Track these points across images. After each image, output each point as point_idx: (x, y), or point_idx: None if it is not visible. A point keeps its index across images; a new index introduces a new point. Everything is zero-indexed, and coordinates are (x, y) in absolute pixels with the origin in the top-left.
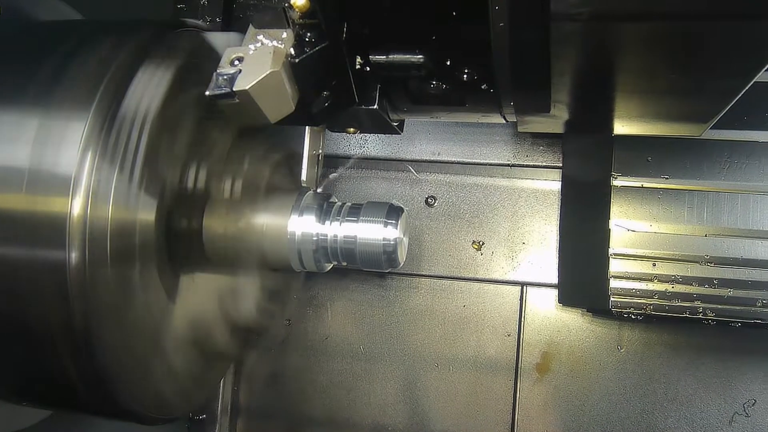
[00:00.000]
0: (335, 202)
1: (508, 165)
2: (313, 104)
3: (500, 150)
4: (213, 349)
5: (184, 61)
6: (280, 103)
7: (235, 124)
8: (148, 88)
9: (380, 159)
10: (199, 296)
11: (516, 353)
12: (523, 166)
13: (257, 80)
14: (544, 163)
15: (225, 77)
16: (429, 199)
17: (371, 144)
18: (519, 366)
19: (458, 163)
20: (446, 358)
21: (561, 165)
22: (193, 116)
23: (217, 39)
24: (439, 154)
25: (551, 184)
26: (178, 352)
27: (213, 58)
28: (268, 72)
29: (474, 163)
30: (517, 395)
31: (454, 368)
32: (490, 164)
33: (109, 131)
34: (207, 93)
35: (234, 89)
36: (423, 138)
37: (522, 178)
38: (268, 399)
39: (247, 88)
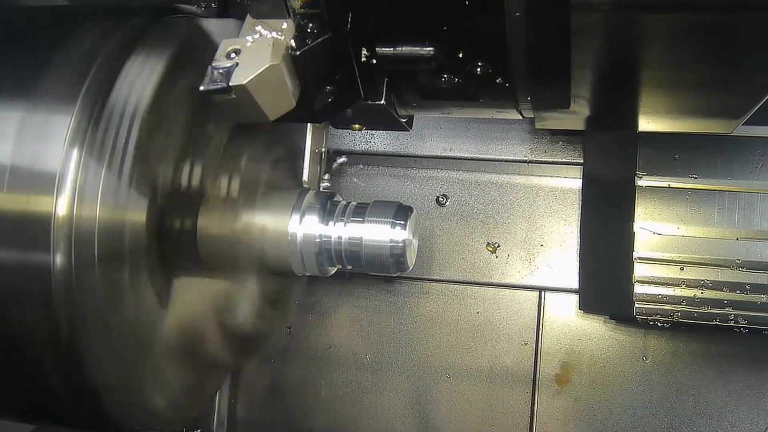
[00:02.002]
0: (339, 201)
1: (525, 161)
2: (315, 100)
3: (517, 145)
4: (208, 359)
5: (177, 50)
6: (280, 99)
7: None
8: (139, 79)
9: (388, 155)
10: (193, 302)
11: (534, 363)
12: (541, 162)
13: (255, 74)
14: (564, 160)
15: (220, 71)
16: (440, 198)
17: (378, 139)
18: (537, 377)
19: (471, 159)
20: (459, 369)
21: (582, 161)
22: (186, 109)
23: (213, 26)
24: (450, 149)
25: (571, 182)
26: (170, 361)
27: (208, 46)
28: (266, 65)
29: (488, 160)
30: (535, 408)
31: (467, 379)
32: (506, 160)
33: (96, 125)
34: (201, 88)
35: (230, 84)
36: (434, 132)
37: (540, 176)
38: (267, 412)
39: (244, 82)
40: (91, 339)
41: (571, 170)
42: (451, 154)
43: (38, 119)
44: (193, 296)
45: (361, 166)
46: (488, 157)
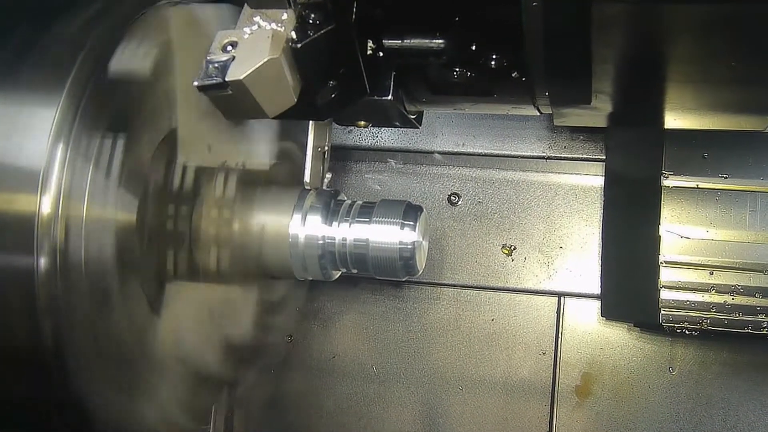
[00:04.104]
0: (344, 201)
1: (543, 157)
2: (317, 96)
3: (534, 140)
4: (203, 370)
5: (169, 38)
6: (280, 95)
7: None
8: (129, 70)
9: (396, 151)
10: (188, 309)
11: (552, 374)
12: (560, 158)
13: (253, 69)
14: (585, 156)
15: (216, 65)
16: (452, 197)
17: (385, 134)
18: (556, 389)
19: (486, 155)
20: (472, 380)
21: (604, 158)
22: (180, 102)
23: (209, 13)
24: (463, 145)
25: (593, 180)
26: (163, 373)
27: (203, 34)
28: (265, 59)
29: (504, 156)
30: (554, 422)
31: (481, 391)
32: (523, 157)
33: (83, 119)
34: (195, 84)
35: (226, 79)
36: (445, 127)
37: (559, 173)
38: (266, 426)
39: (241, 77)
40: (77, 349)
41: (593, 167)
42: (463, 149)
43: (20, 112)
44: (187, 303)
45: (368, 162)
46: (503, 153)
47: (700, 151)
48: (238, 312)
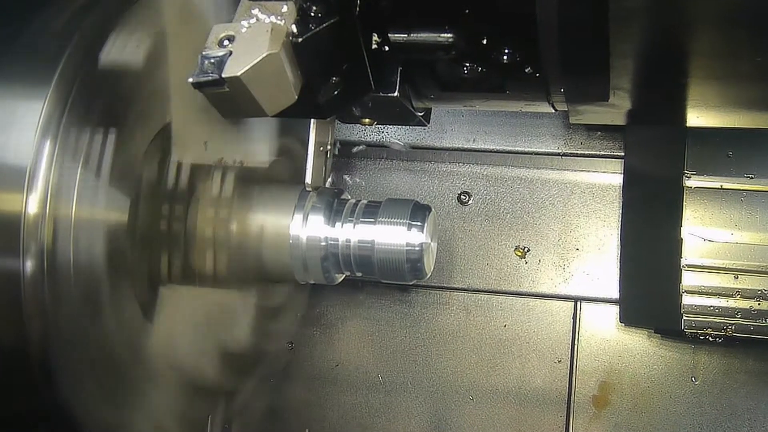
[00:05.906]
0: (348, 200)
1: (558, 154)
2: (319, 93)
3: (549, 136)
4: (199, 379)
5: (163, 29)
6: (280, 92)
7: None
8: (121, 61)
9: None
10: (183, 314)
11: (568, 383)
12: (576, 155)
13: (251, 65)
14: (603, 153)
15: (212, 61)
16: (462, 196)
17: (392, 129)
18: (572, 399)
19: (498, 151)
20: (483, 390)
21: (623, 155)
22: (174, 96)
23: (204, 3)
24: (474, 140)
25: (611, 178)
26: (156, 381)
27: (199, 24)
28: (264, 54)
29: (517, 152)
30: None
31: (493, 401)
32: (537, 153)
33: (72, 114)
34: (190, 80)
35: (223, 75)
36: (455, 121)
37: (575, 171)
38: None
39: (238, 74)
40: (65, 356)
41: (611, 164)
42: (474, 146)
43: (5, 106)
44: (182, 308)
45: (373, 159)
46: (517, 149)
47: (724, 149)
48: (235, 318)
